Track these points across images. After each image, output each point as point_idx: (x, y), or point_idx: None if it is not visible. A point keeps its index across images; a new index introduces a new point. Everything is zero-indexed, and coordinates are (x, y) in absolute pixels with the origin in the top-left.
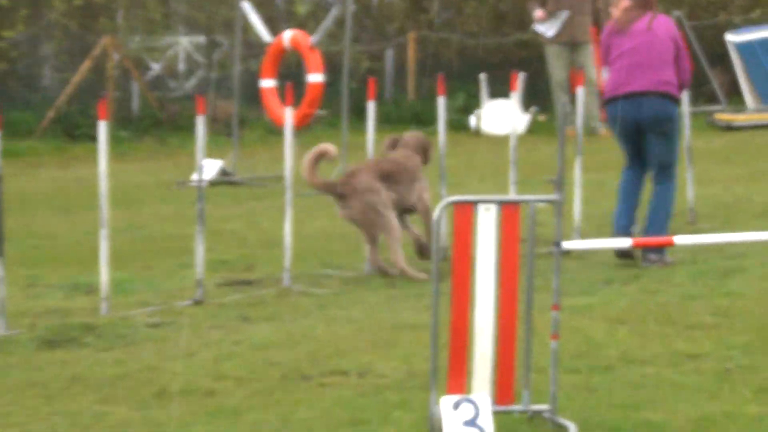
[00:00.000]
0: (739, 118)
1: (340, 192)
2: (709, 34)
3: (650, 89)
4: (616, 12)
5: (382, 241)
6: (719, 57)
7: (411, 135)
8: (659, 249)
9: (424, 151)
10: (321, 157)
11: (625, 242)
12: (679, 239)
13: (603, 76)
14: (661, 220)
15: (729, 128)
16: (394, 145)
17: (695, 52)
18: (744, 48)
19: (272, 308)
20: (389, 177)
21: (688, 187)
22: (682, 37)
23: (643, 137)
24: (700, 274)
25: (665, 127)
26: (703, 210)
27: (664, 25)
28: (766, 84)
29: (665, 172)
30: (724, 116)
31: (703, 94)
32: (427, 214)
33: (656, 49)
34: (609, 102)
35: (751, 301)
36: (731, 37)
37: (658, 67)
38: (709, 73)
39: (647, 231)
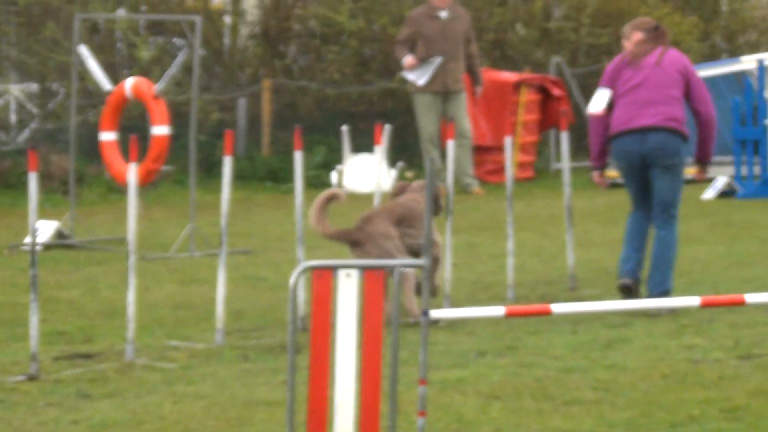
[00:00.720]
0: None
1: (355, 239)
2: (593, 83)
3: (656, 124)
4: (628, 45)
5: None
6: None
7: (418, 183)
8: (667, 293)
9: (435, 199)
10: (329, 202)
11: (497, 311)
12: (557, 307)
13: (596, 99)
14: (665, 268)
15: (614, 185)
16: (401, 192)
17: (576, 101)
18: None
19: (114, 384)
20: (402, 221)
21: (567, 251)
22: (691, 70)
23: (649, 173)
24: (580, 345)
25: (671, 161)
26: (585, 275)
27: (673, 60)
28: None
29: (668, 213)
30: (609, 173)
31: (584, 148)
32: (437, 257)
33: (664, 85)
34: (616, 137)
35: (634, 374)
36: None
37: (665, 104)
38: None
39: (651, 279)
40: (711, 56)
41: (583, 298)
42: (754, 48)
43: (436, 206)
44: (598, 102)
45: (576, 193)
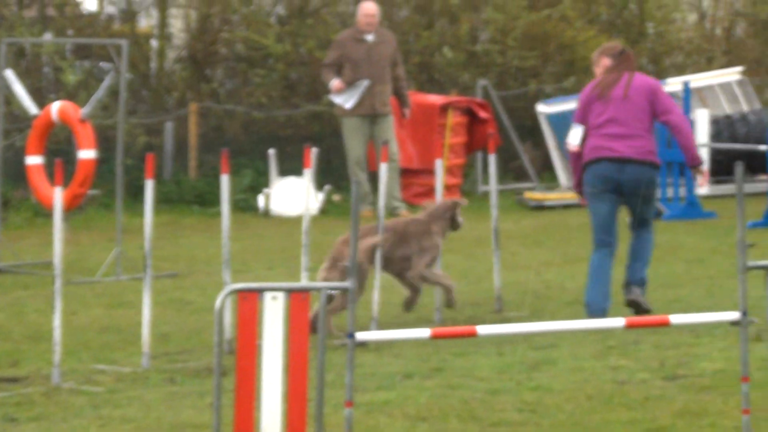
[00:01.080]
0: (551, 197)
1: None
2: (519, 105)
3: (632, 156)
4: (598, 71)
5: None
6: (530, 130)
7: (430, 202)
8: (642, 281)
9: (451, 218)
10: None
11: (423, 332)
12: (483, 329)
13: (573, 135)
14: (642, 260)
15: (540, 208)
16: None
17: (503, 124)
18: (556, 120)
19: (40, 408)
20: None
21: (494, 273)
22: (657, 91)
23: (623, 198)
24: (507, 367)
25: (646, 191)
26: (511, 297)
27: (640, 87)
28: None
29: (644, 226)
30: (535, 195)
31: (511, 171)
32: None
33: (633, 119)
34: (592, 162)
35: (560, 395)
36: (543, 108)
37: (637, 137)
38: (518, 148)
39: (629, 268)
40: None
41: (510, 320)
42: (680, 70)
43: (452, 223)
44: (574, 138)
45: (503, 216)
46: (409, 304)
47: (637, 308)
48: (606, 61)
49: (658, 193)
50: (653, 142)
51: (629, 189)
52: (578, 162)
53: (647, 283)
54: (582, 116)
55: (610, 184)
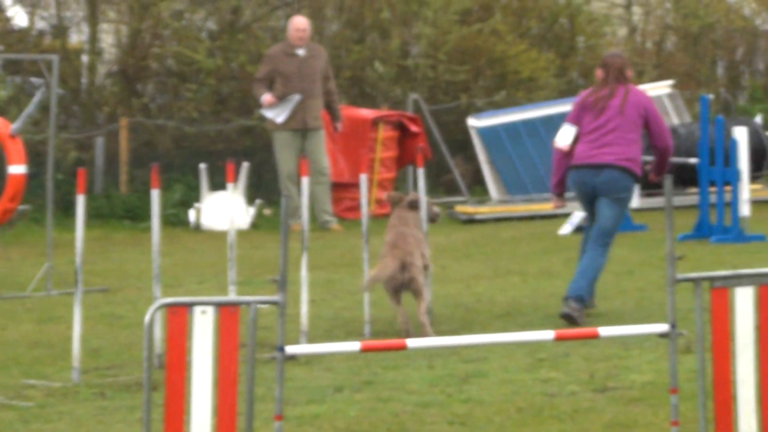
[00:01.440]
0: (482, 211)
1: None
2: (451, 119)
3: (612, 162)
4: (599, 74)
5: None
6: (461, 144)
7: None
8: (581, 299)
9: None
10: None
11: (353, 346)
12: (413, 342)
13: (562, 134)
14: (587, 278)
15: (471, 221)
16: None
17: (434, 138)
18: (487, 133)
19: None
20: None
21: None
22: (651, 107)
23: (597, 202)
24: (437, 380)
25: (618, 195)
26: (442, 311)
27: (635, 103)
28: (512, 173)
29: (604, 240)
30: (466, 209)
31: (442, 185)
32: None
33: (624, 130)
34: (575, 168)
35: (490, 408)
36: (474, 122)
37: (624, 145)
38: (449, 162)
39: (572, 283)
40: (568, 92)
41: (441, 333)
42: None
43: (429, 214)
44: (564, 137)
45: (433, 229)
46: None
47: (571, 323)
48: (598, 72)
49: (629, 207)
50: (638, 152)
51: (602, 191)
52: (562, 162)
53: (589, 301)
54: (575, 120)
55: (586, 190)
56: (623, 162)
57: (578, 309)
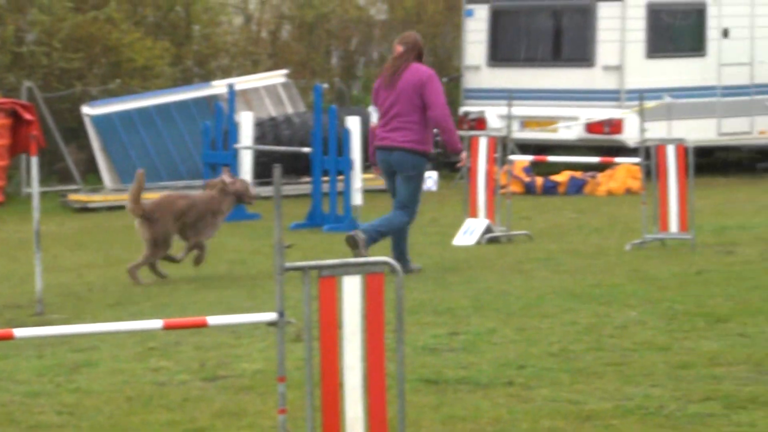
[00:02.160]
0: (95, 199)
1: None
2: (65, 107)
3: (398, 145)
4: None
5: None
6: (75, 132)
7: (214, 181)
8: (366, 230)
9: (241, 194)
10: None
11: None
12: (20, 332)
13: (372, 115)
14: (379, 227)
15: (84, 210)
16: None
17: (48, 126)
18: (101, 121)
19: None
20: (184, 214)
21: (36, 275)
22: (427, 82)
23: (395, 178)
24: (46, 370)
25: (408, 173)
26: (53, 300)
27: (411, 80)
28: (126, 161)
29: (402, 207)
30: (79, 197)
31: (56, 173)
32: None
33: (405, 112)
34: (376, 149)
35: (100, 397)
36: (88, 110)
37: (408, 130)
38: (63, 150)
39: (370, 221)
40: (184, 81)
41: (51, 323)
42: (226, 73)
43: (244, 198)
44: (373, 117)
45: (46, 218)
46: (199, 260)
47: (353, 244)
48: (398, 48)
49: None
50: (422, 134)
51: (397, 169)
52: (373, 137)
53: (373, 241)
54: (375, 101)
55: (386, 167)
56: (408, 144)
57: (362, 238)
